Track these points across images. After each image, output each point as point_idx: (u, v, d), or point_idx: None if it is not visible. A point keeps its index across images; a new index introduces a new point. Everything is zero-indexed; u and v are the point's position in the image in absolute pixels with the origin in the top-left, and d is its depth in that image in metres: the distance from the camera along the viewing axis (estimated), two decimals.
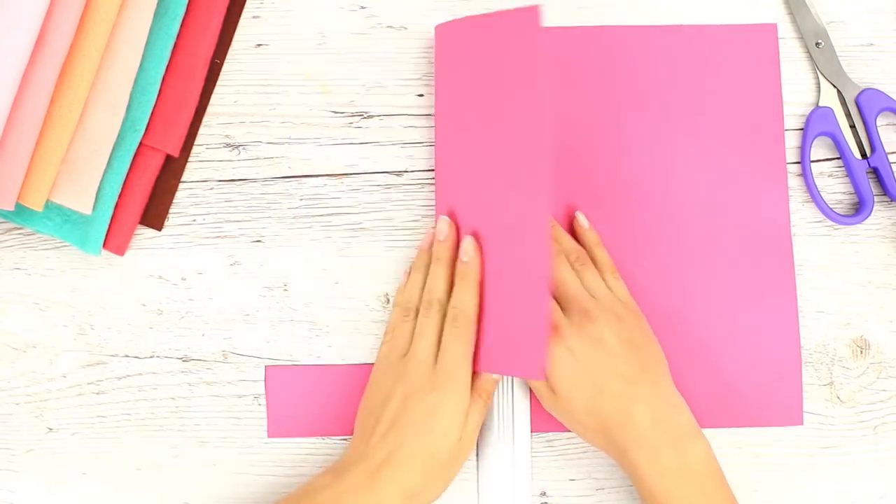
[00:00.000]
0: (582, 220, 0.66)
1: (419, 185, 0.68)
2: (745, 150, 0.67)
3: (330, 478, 0.60)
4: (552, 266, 0.62)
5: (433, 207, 0.68)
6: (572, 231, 0.67)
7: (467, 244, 0.63)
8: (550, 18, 0.68)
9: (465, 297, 0.62)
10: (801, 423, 0.66)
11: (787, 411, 0.66)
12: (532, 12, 0.57)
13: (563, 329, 0.61)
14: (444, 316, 0.62)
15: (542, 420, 0.66)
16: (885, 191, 0.67)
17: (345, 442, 0.67)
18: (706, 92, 0.67)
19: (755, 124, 0.67)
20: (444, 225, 0.64)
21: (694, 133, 0.67)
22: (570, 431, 0.66)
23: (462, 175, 0.64)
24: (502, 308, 0.61)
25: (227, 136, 0.68)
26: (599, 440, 0.61)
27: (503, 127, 0.61)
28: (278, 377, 0.67)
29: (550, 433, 0.67)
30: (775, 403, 0.66)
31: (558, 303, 0.63)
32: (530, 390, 0.66)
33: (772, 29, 0.68)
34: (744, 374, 0.66)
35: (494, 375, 0.62)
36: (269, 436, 0.67)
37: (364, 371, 0.66)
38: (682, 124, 0.67)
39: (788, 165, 0.68)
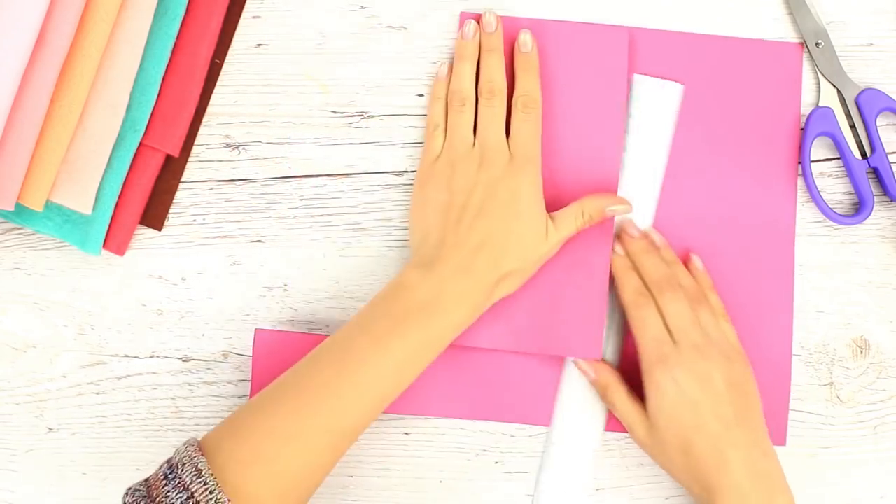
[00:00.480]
0: (697, 263, 0.66)
1: None
2: (758, 162, 0.67)
3: (418, 274, 0.60)
4: (611, 255, 0.65)
5: None
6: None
7: (527, 35, 0.64)
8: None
9: (532, 86, 0.64)
10: (784, 445, 0.66)
11: (771, 433, 0.65)
12: (621, 32, 0.66)
13: (672, 359, 0.61)
14: (505, 104, 0.64)
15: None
16: (885, 191, 0.67)
17: None
18: (724, 102, 0.67)
19: (770, 138, 0.67)
20: (492, 17, 0.65)
21: (707, 140, 0.67)
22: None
23: None
24: (559, 295, 0.64)
25: (227, 136, 0.68)
26: (685, 478, 0.61)
27: (568, 124, 0.66)
28: (267, 341, 0.65)
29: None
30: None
31: (670, 334, 0.62)
32: (608, 414, 0.66)
33: (797, 49, 0.67)
34: None
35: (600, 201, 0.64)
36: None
37: None
38: (697, 131, 0.67)
39: None
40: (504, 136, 0.63)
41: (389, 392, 0.59)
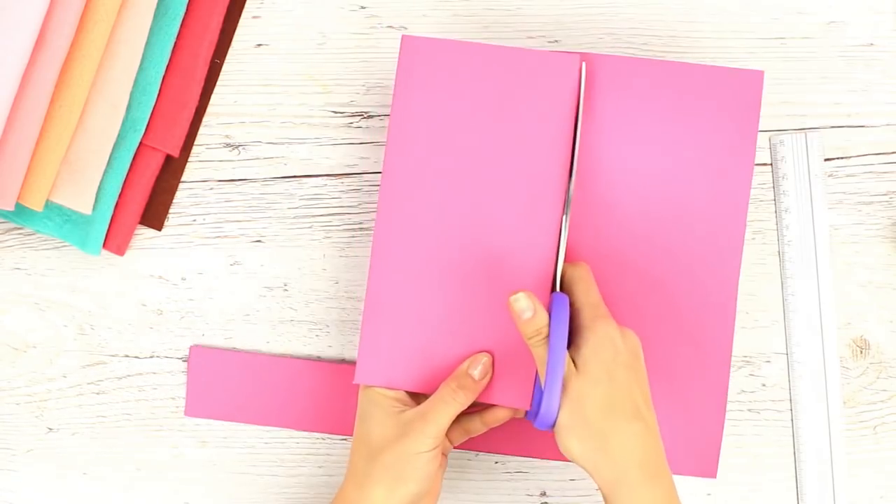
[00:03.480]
0: None
1: None
2: (709, 192, 0.64)
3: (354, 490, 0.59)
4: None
5: None
6: None
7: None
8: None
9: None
10: (714, 477, 0.64)
11: (703, 462, 0.64)
12: (573, 59, 0.62)
13: (612, 320, 0.59)
14: None
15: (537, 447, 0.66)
16: None
17: (326, 438, 0.67)
18: (682, 129, 0.64)
19: (724, 167, 0.64)
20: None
21: (661, 168, 0.64)
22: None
23: (433, 191, 0.63)
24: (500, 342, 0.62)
25: (227, 136, 0.68)
26: (591, 446, 0.57)
27: (513, 154, 0.62)
28: (202, 358, 0.67)
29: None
30: (692, 453, 0.64)
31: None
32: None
33: (758, 76, 0.64)
34: (667, 420, 0.63)
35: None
36: (186, 414, 0.67)
37: (287, 364, 0.67)
38: (651, 156, 0.64)
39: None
40: None
41: None
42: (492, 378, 0.61)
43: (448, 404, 0.59)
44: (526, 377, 0.61)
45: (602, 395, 0.57)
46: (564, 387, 0.57)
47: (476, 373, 0.60)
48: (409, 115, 0.63)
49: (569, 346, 0.58)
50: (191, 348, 0.67)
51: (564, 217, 0.62)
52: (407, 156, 0.63)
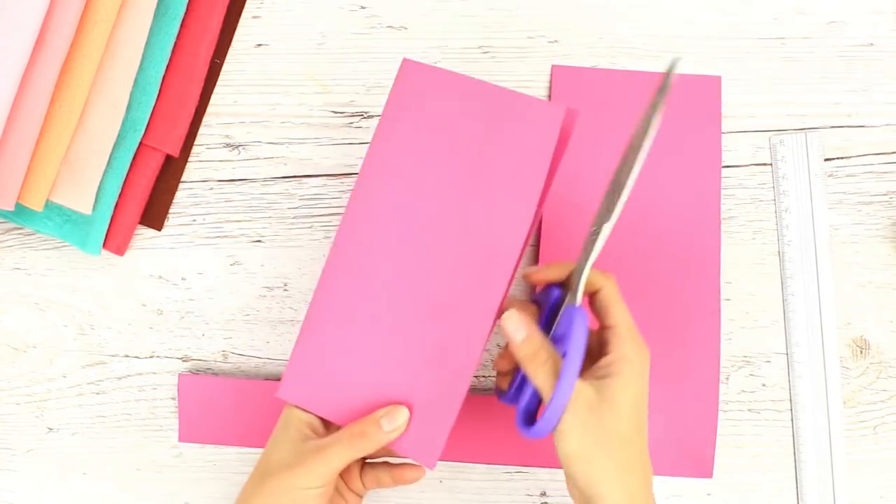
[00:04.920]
0: None
1: None
2: (683, 200, 0.67)
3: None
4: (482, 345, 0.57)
5: None
6: None
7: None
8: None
9: None
10: (711, 477, 0.65)
11: (699, 463, 0.65)
12: (557, 109, 0.58)
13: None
14: None
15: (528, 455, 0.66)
16: None
17: None
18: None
19: (694, 172, 0.67)
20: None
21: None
22: None
23: (392, 222, 0.60)
24: (422, 384, 0.58)
25: (227, 136, 0.68)
26: (611, 472, 0.54)
27: (479, 200, 0.59)
28: (191, 385, 0.67)
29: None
30: (687, 454, 0.64)
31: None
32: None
33: (716, 81, 0.68)
34: (662, 422, 0.64)
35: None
36: (180, 440, 0.67)
37: (275, 387, 0.66)
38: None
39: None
40: None
41: None
42: (405, 430, 0.57)
43: (345, 448, 0.56)
44: (438, 437, 0.57)
45: (622, 433, 0.53)
46: (581, 410, 0.53)
47: (387, 424, 0.56)
48: (390, 142, 0.60)
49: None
50: (179, 376, 0.67)
51: (608, 223, 0.56)
52: (379, 182, 0.59)
